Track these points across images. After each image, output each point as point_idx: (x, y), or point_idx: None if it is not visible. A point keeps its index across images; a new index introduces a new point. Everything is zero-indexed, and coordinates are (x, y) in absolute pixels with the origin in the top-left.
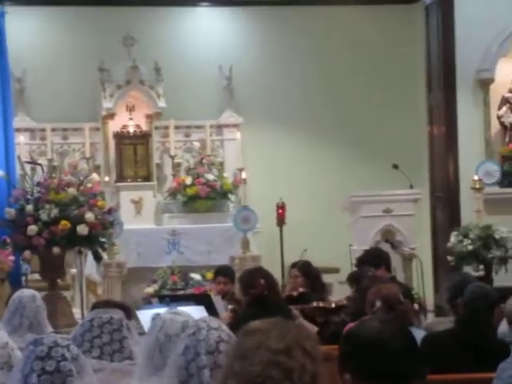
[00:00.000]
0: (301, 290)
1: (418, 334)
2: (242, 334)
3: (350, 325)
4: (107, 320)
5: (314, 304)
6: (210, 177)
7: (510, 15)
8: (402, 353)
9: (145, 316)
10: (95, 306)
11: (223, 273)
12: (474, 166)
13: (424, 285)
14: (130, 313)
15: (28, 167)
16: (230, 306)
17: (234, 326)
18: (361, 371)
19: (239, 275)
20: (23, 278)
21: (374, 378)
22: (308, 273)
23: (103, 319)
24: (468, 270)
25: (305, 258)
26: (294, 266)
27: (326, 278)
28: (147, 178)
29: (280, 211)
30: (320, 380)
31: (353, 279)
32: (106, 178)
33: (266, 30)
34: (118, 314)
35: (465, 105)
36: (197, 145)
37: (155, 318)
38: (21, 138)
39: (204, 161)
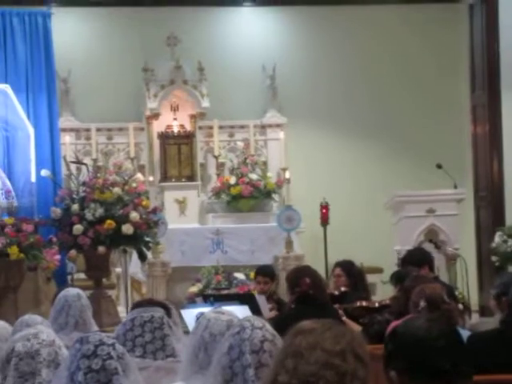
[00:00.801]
0: (343, 289)
1: (463, 334)
2: (296, 332)
3: (395, 323)
4: (148, 319)
5: (358, 303)
6: (254, 176)
7: None
8: (449, 351)
9: (189, 315)
10: (136, 306)
11: (262, 272)
12: None
13: (468, 285)
14: (170, 311)
15: (73, 167)
16: (269, 305)
17: (278, 324)
18: (407, 368)
19: (286, 274)
20: (69, 277)
21: (420, 376)
22: (350, 272)
23: (144, 318)
24: None
25: (348, 257)
26: (337, 265)
27: (370, 278)
28: (191, 178)
29: (324, 211)
30: None
31: (396, 279)
32: (151, 178)
33: (309, 30)
34: (158, 313)
35: (509, 104)
36: (240, 145)
37: (200, 317)
38: (66, 138)
39: (248, 160)
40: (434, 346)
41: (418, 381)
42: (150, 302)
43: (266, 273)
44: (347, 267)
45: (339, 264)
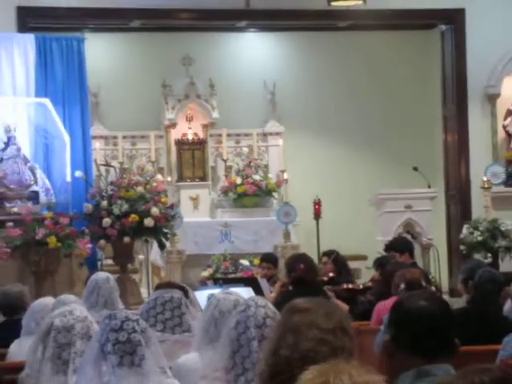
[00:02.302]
0: (330, 274)
1: None
2: (293, 310)
3: (381, 303)
4: (169, 299)
5: (344, 286)
6: (257, 177)
7: None
8: (447, 327)
9: (201, 296)
10: (158, 287)
11: (267, 259)
12: (483, 169)
13: (440, 270)
14: (188, 293)
15: (103, 169)
16: (273, 287)
17: (278, 302)
18: (404, 338)
19: (285, 260)
20: (99, 263)
21: (416, 346)
22: (335, 260)
23: (165, 298)
24: (478, 257)
25: (337, 246)
26: (323, 254)
27: (355, 264)
28: (203, 178)
29: (316, 207)
30: (354, 354)
31: (378, 264)
32: (169, 178)
33: (304, 52)
34: (177, 294)
35: (475, 116)
36: (245, 150)
37: (210, 297)
38: (96, 145)
39: (251, 164)
40: (434, 321)
41: (401, 349)
42: (169, 285)
43: (269, 260)
44: (332, 255)
45: (325, 253)
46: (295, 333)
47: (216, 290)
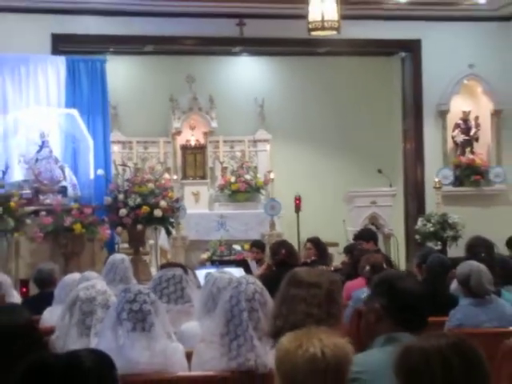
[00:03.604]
0: (313, 258)
1: None
2: (290, 283)
3: (349, 283)
4: (171, 276)
5: (319, 267)
6: (248, 177)
7: (461, 68)
8: (425, 305)
9: (200, 274)
10: (162, 267)
11: (256, 245)
12: (435, 172)
13: (398, 256)
14: (186, 270)
15: (120, 168)
16: (260, 267)
17: (264, 281)
18: (393, 309)
19: (270, 246)
20: (116, 246)
21: (401, 317)
22: (318, 246)
23: (168, 275)
24: (430, 245)
25: (314, 235)
26: (308, 240)
27: (330, 250)
28: (203, 177)
29: (297, 202)
30: (340, 319)
31: (347, 250)
32: (175, 177)
33: (289, 73)
34: (178, 271)
35: (429, 128)
36: (238, 154)
37: (208, 275)
38: (115, 148)
39: (243, 165)
40: (423, 300)
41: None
42: (171, 264)
43: (258, 245)
44: (316, 242)
45: (310, 240)
46: (288, 305)
47: (212, 270)
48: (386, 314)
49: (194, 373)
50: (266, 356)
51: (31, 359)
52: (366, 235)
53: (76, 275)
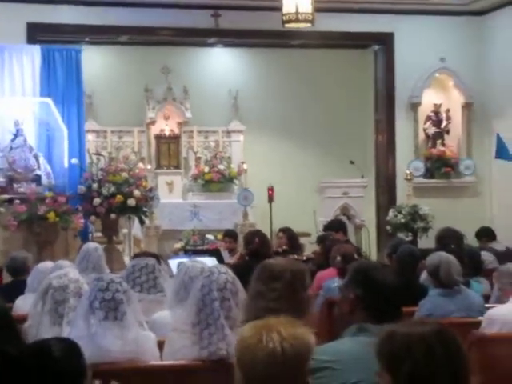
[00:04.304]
0: (284, 247)
1: None
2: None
3: (319, 273)
4: (144, 265)
5: (291, 256)
6: (221, 167)
7: (432, 61)
8: (399, 297)
9: (173, 263)
10: (135, 256)
11: (229, 235)
12: (406, 163)
13: (370, 246)
14: (160, 260)
15: (94, 157)
16: (233, 257)
17: (236, 270)
18: (368, 300)
19: (243, 235)
20: (90, 235)
21: (376, 309)
22: (290, 235)
23: (141, 265)
24: (401, 236)
25: (286, 225)
26: (280, 230)
27: (301, 240)
28: (177, 167)
29: (270, 192)
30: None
31: (319, 240)
32: (149, 166)
33: (263, 65)
34: (151, 261)
35: (400, 120)
36: (212, 144)
37: (180, 264)
38: (89, 137)
39: (217, 156)
40: (397, 292)
41: (362, 309)
42: (144, 254)
43: (231, 235)
44: (287, 232)
45: (282, 229)
46: (252, 300)
47: (185, 259)
48: (361, 305)
49: (165, 362)
50: None
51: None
52: (335, 226)
53: (49, 264)
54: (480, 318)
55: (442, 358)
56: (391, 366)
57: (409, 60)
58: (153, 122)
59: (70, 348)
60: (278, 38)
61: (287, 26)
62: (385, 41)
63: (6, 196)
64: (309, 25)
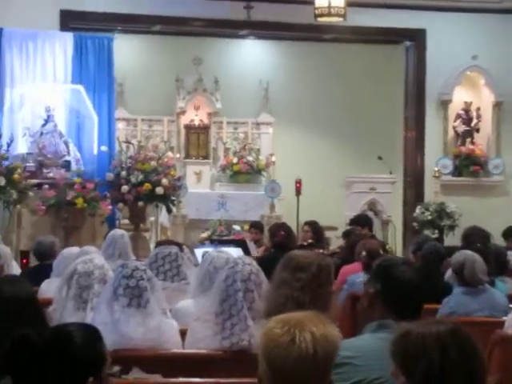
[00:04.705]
0: (309, 241)
1: None
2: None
3: (344, 267)
4: (167, 253)
5: (316, 250)
6: (250, 158)
7: (464, 58)
8: (420, 294)
9: (199, 252)
10: (158, 244)
11: (255, 226)
12: (435, 161)
13: (396, 242)
14: (182, 248)
15: (124, 145)
16: (259, 249)
17: (261, 262)
18: (387, 296)
19: (269, 227)
20: (117, 222)
21: (394, 305)
22: (315, 229)
23: (164, 253)
24: (427, 233)
25: (313, 219)
26: (305, 223)
27: (328, 234)
28: (206, 157)
29: (297, 185)
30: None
31: (345, 235)
32: (177, 156)
33: (294, 58)
34: (174, 249)
35: (430, 117)
36: (241, 135)
37: (205, 254)
38: (119, 125)
39: (246, 147)
40: (418, 289)
41: (381, 304)
42: (167, 242)
43: (257, 226)
44: (313, 225)
45: (307, 223)
46: (275, 288)
47: (210, 249)
48: (379, 300)
49: (187, 350)
50: None
51: (17, 334)
52: (361, 221)
53: (75, 249)
54: (504, 317)
55: (457, 357)
56: (405, 366)
57: (440, 57)
58: (183, 112)
59: (90, 334)
60: (310, 31)
61: (319, 19)
62: (416, 37)
63: (35, 181)
64: (341, 19)
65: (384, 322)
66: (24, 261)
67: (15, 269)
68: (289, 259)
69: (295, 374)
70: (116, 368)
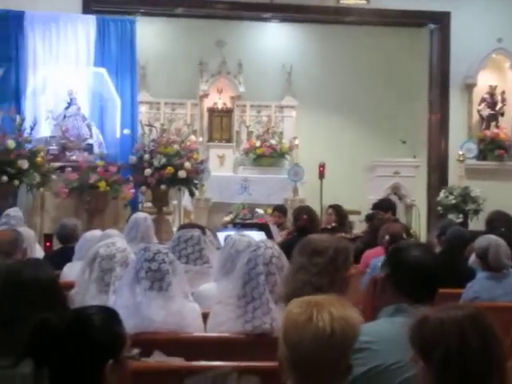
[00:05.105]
0: (333, 224)
1: None
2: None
3: (367, 251)
4: (190, 236)
5: (339, 234)
6: (273, 142)
7: (489, 41)
8: (435, 277)
9: (222, 236)
10: (181, 227)
11: (278, 209)
12: (459, 145)
13: (420, 226)
14: (205, 231)
15: (146, 129)
16: (282, 232)
17: (284, 246)
18: (398, 279)
19: (292, 211)
20: (139, 205)
21: (406, 288)
22: (339, 213)
23: (187, 236)
24: (451, 217)
25: (336, 202)
26: (330, 207)
27: (351, 218)
28: (229, 140)
29: (321, 169)
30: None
31: (368, 219)
32: (200, 139)
33: (317, 41)
34: (196, 232)
35: (455, 101)
36: (265, 119)
37: (227, 238)
38: (142, 108)
39: (269, 130)
40: (430, 271)
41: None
42: (189, 225)
43: (280, 210)
44: (337, 209)
45: (331, 206)
46: (293, 273)
47: (232, 232)
48: (389, 283)
49: (208, 334)
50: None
51: (39, 318)
52: (384, 205)
53: (96, 232)
54: None
55: (475, 343)
56: (424, 352)
57: (465, 40)
58: (206, 95)
59: (109, 317)
60: (334, 14)
61: (343, 2)
62: (441, 20)
63: (58, 164)
64: (364, 2)
65: (400, 306)
66: (47, 244)
67: (38, 252)
68: (306, 244)
69: (312, 354)
70: (135, 351)
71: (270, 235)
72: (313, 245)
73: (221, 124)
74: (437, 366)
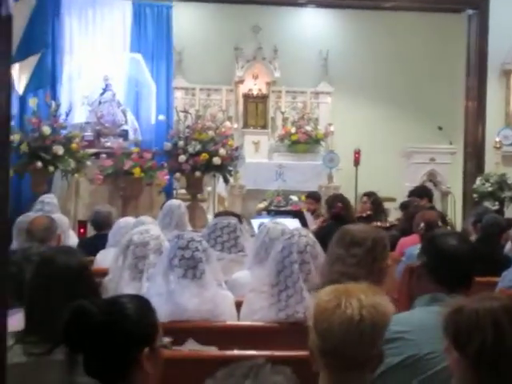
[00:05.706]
0: (368, 212)
1: None
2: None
3: (402, 239)
4: (226, 224)
5: (374, 223)
6: (308, 128)
7: None
8: (470, 266)
9: (256, 223)
10: (217, 215)
11: (312, 196)
12: (496, 131)
13: (455, 214)
14: (241, 219)
15: (182, 115)
16: (316, 220)
17: (318, 234)
18: (433, 267)
19: (326, 198)
20: (174, 192)
21: (441, 276)
22: (374, 200)
23: (223, 224)
24: (487, 205)
25: (371, 189)
26: (365, 194)
27: (386, 205)
28: (264, 127)
29: (356, 155)
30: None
31: (403, 206)
32: (235, 125)
33: (354, 27)
34: (233, 220)
35: (492, 87)
36: (300, 105)
37: (261, 225)
38: (177, 94)
39: (304, 116)
40: (465, 259)
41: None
42: (226, 213)
43: (314, 197)
44: (372, 197)
45: (366, 194)
46: (330, 264)
47: (266, 220)
48: (425, 272)
49: (242, 322)
50: None
51: (75, 305)
52: (420, 192)
53: (130, 219)
54: None
55: (510, 334)
56: (458, 343)
57: (504, 25)
58: (241, 81)
59: (142, 306)
60: None
61: None
62: (479, 5)
63: (93, 150)
64: None
65: (437, 296)
66: (81, 230)
67: (72, 238)
68: (343, 234)
69: (340, 342)
70: (167, 339)
71: (304, 222)
72: (351, 235)
73: (256, 110)
74: (471, 356)
